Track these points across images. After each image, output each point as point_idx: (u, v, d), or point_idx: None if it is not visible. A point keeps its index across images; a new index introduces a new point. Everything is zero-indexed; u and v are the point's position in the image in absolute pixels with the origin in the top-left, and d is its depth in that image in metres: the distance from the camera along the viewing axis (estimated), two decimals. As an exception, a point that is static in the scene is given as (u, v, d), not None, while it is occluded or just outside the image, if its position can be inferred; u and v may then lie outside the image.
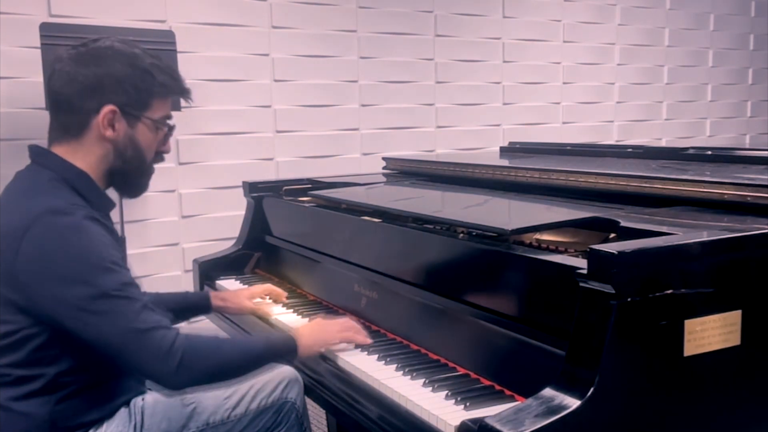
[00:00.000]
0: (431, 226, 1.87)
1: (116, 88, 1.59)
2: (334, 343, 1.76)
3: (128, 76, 1.60)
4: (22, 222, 1.48)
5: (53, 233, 1.48)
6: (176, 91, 1.70)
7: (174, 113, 1.75)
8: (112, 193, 1.72)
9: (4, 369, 1.52)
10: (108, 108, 1.58)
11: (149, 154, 1.68)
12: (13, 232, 1.49)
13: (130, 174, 1.68)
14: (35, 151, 1.65)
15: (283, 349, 1.70)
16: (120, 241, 1.62)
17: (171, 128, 1.72)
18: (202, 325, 2.29)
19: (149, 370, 1.51)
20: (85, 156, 1.61)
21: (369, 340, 1.78)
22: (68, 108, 1.60)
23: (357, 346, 1.77)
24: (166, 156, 1.76)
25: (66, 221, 1.49)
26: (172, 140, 1.76)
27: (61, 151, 1.61)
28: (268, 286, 2.24)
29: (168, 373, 1.49)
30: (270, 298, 2.23)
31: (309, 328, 1.80)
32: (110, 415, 1.62)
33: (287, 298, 2.24)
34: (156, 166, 1.75)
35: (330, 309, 2.12)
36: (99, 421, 1.60)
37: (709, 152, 2.36)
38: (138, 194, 1.76)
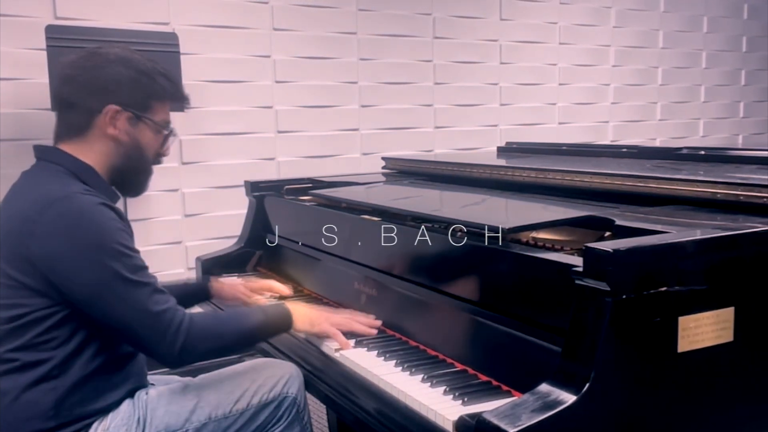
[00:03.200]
0: (430, 225, 1.87)
1: (118, 89, 1.65)
2: (319, 332, 1.79)
3: (129, 78, 1.66)
4: (36, 206, 1.52)
5: (69, 216, 1.52)
6: (175, 95, 1.76)
7: (177, 114, 1.78)
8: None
9: (11, 353, 1.53)
10: (110, 107, 1.64)
11: (149, 153, 1.74)
12: (26, 216, 1.52)
13: (131, 172, 1.73)
14: (41, 150, 1.69)
15: (279, 325, 1.76)
16: (130, 227, 1.66)
17: (171, 132, 1.77)
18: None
19: (154, 349, 1.56)
20: (89, 153, 1.66)
21: (373, 331, 1.80)
22: (72, 107, 1.65)
23: (357, 343, 1.77)
24: (166, 158, 1.81)
25: (81, 205, 1.53)
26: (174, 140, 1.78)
27: (67, 148, 1.66)
28: (270, 283, 2.24)
29: (171, 354, 1.55)
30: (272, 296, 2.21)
31: (306, 310, 1.83)
32: (115, 406, 1.63)
33: (287, 295, 2.24)
34: (159, 166, 1.80)
35: (330, 306, 2.11)
36: (103, 412, 1.60)
37: (703, 152, 2.35)
38: (138, 193, 1.81)
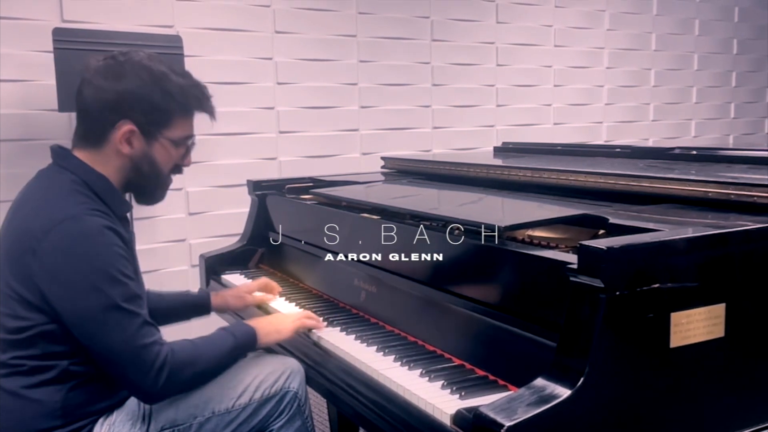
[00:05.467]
0: (428, 223, 1.87)
1: (136, 106, 1.57)
2: (288, 335, 1.81)
3: (149, 94, 1.58)
4: (42, 225, 1.48)
5: (71, 239, 1.47)
6: (200, 108, 1.69)
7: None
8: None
9: (18, 360, 1.52)
10: (126, 126, 1.57)
11: (166, 168, 1.68)
12: (33, 233, 1.49)
13: (147, 185, 1.69)
14: (57, 153, 1.63)
15: (247, 346, 1.73)
16: (133, 249, 1.62)
17: (191, 145, 1.71)
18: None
19: (136, 382, 1.51)
20: (103, 165, 1.61)
21: (322, 326, 1.86)
22: (90, 119, 1.59)
23: (356, 338, 1.77)
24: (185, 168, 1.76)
25: (84, 229, 1.49)
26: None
27: (82, 155, 1.61)
28: (264, 279, 2.24)
29: (153, 389, 1.51)
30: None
31: (267, 321, 1.84)
32: (120, 404, 1.62)
33: (288, 292, 2.25)
34: None
35: (330, 302, 2.12)
36: (109, 410, 1.60)
37: (694, 152, 2.35)
38: (153, 203, 1.76)
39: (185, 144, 1.69)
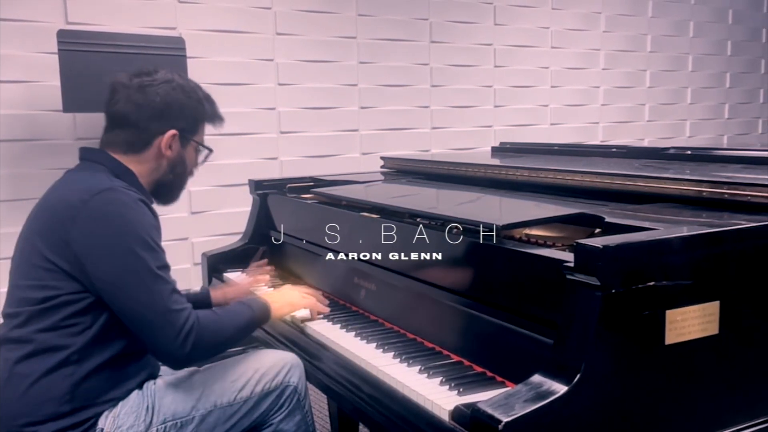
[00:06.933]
0: (427, 222, 1.86)
1: (178, 114, 1.74)
2: (299, 307, 1.93)
3: (186, 105, 1.76)
4: (81, 196, 1.56)
5: (110, 206, 1.55)
6: (216, 118, 1.87)
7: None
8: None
9: (34, 334, 1.55)
10: (172, 132, 1.73)
11: (190, 169, 1.84)
12: (71, 203, 1.56)
13: (172, 185, 1.82)
14: (86, 150, 1.74)
15: (262, 317, 1.81)
16: (160, 228, 1.70)
17: (210, 151, 1.87)
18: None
19: (166, 346, 1.56)
20: (138, 166, 1.72)
21: (327, 309, 1.97)
22: (134, 127, 1.71)
23: (356, 335, 1.77)
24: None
25: (121, 198, 1.58)
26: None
27: (115, 155, 1.71)
28: (257, 277, 2.29)
29: (180, 354, 1.55)
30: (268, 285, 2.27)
31: (278, 294, 1.96)
32: (125, 396, 1.63)
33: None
34: None
35: (331, 300, 2.11)
36: (114, 401, 1.61)
37: (689, 152, 2.35)
38: (170, 203, 1.88)
39: (204, 149, 1.86)
